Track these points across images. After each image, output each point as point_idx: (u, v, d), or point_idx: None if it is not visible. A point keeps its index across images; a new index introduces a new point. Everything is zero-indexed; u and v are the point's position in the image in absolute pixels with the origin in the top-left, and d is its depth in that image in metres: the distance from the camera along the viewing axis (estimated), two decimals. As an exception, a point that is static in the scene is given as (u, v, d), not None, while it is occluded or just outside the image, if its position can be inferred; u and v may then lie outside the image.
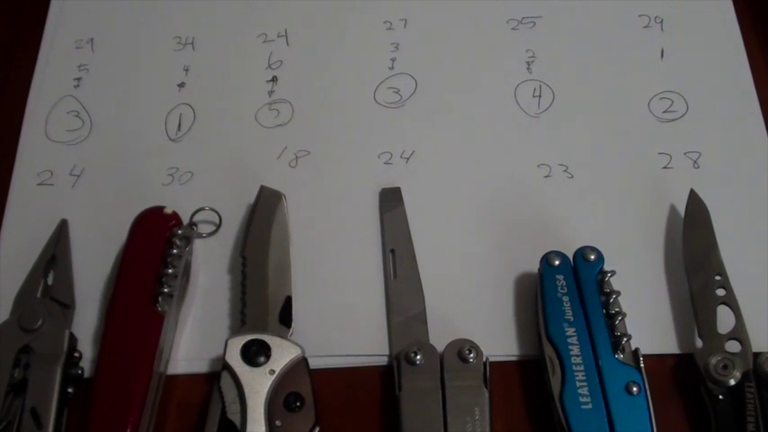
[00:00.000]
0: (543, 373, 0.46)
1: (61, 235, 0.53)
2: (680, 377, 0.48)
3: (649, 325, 0.49)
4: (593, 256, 0.48)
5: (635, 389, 0.44)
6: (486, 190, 0.54)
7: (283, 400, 0.45)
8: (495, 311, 0.50)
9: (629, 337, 0.45)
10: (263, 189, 0.53)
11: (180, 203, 0.52)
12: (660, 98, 0.57)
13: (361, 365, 0.49)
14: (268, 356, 0.46)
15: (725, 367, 0.45)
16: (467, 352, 0.46)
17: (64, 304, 0.50)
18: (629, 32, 0.60)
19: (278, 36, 0.61)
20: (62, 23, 0.62)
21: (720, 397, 0.45)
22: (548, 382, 0.45)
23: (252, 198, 0.53)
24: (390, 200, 0.54)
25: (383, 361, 0.49)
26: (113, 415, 0.44)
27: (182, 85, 0.59)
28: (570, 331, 0.45)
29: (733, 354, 0.45)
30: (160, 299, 0.48)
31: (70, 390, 0.47)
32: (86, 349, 0.49)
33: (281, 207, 0.52)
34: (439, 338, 0.47)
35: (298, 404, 0.45)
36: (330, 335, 0.50)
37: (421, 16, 0.61)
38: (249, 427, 0.44)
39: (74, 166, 0.56)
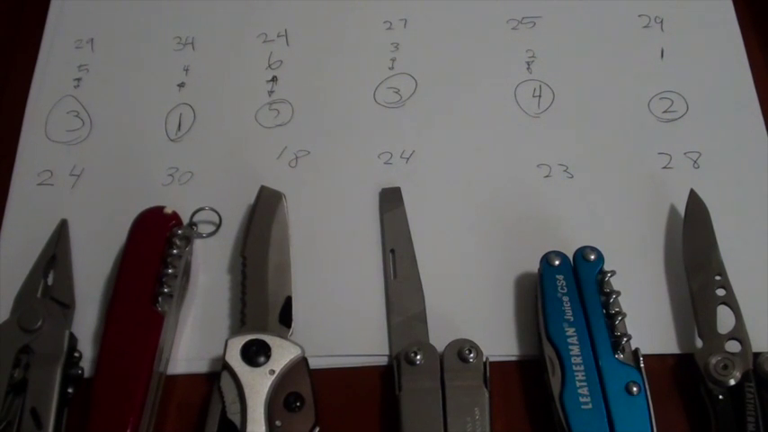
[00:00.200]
0: (543, 373, 0.46)
1: (61, 235, 0.53)
2: (680, 377, 0.48)
3: (649, 325, 0.49)
4: (593, 256, 0.48)
5: (635, 389, 0.44)
6: (486, 190, 0.54)
7: (283, 400, 0.45)
8: (495, 311, 0.50)
9: (629, 337, 0.45)
10: (263, 189, 0.53)
11: (180, 203, 0.52)
12: (660, 98, 0.57)
13: (361, 365, 0.49)
14: (268, 356, 0.46)
15: (725, 367, 0.45)
16: (467, 352, 0.46)
17: (64, 304, 0.50)
18: (629, 32, 0.60)
19: (278, 36, 0.61)
20: (62, 23, 0.62)
21: (720, 397, 0.45)
22: (548, 382, 0.45)
23: (252, 198, 0.53)
24: (390, 200, 0.54)
25: (383, 361, 0.49)
26: (113, 415, 0.44)
27: (182, 85, 0.59)
28: (570, 331, 0.45)
29: (733, 354, 0.45)
30: (160, 299, 0.48)
31: (70, 390, 0.47)
32: (86, 349, 0.49)
33: (281, 207, 0.52)
34: (439, 338, 0.47)
35: (298, 404, 0.45)
36: (330, 335, 0.50)
37: (421, 16, 0.61)
38: (249, 427, 0.44)
39: (74, 166, 0.56)
